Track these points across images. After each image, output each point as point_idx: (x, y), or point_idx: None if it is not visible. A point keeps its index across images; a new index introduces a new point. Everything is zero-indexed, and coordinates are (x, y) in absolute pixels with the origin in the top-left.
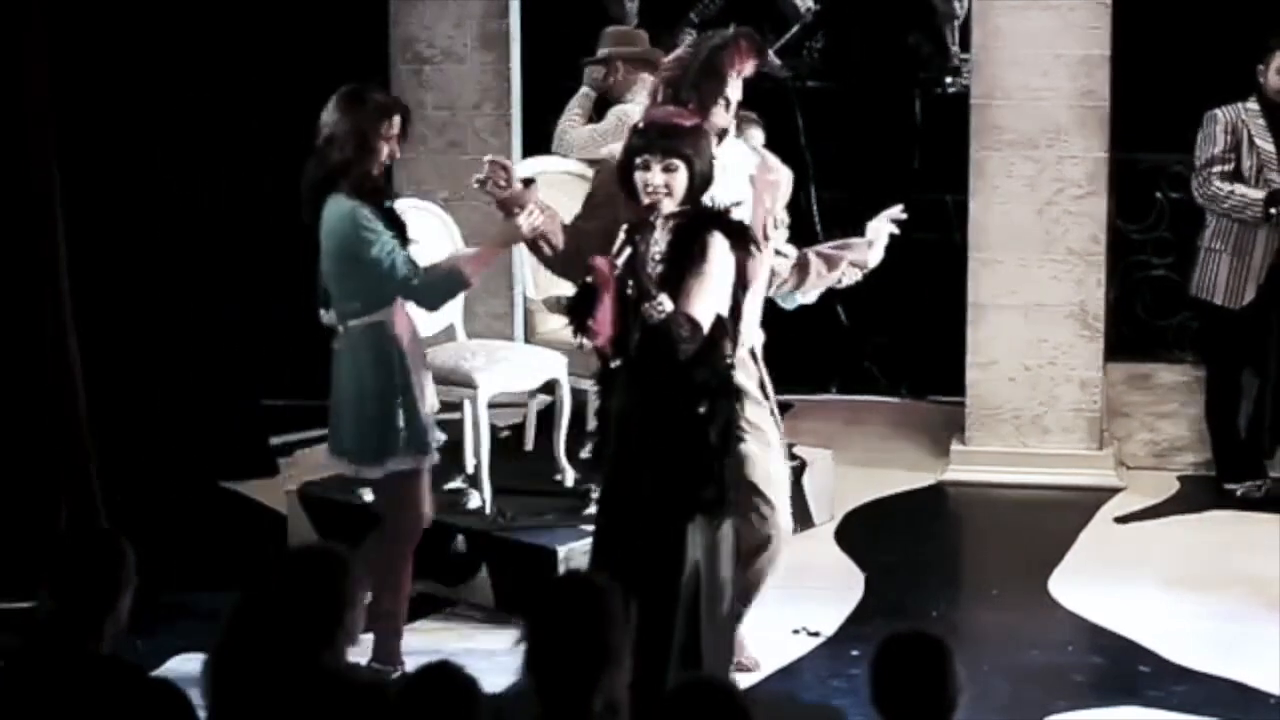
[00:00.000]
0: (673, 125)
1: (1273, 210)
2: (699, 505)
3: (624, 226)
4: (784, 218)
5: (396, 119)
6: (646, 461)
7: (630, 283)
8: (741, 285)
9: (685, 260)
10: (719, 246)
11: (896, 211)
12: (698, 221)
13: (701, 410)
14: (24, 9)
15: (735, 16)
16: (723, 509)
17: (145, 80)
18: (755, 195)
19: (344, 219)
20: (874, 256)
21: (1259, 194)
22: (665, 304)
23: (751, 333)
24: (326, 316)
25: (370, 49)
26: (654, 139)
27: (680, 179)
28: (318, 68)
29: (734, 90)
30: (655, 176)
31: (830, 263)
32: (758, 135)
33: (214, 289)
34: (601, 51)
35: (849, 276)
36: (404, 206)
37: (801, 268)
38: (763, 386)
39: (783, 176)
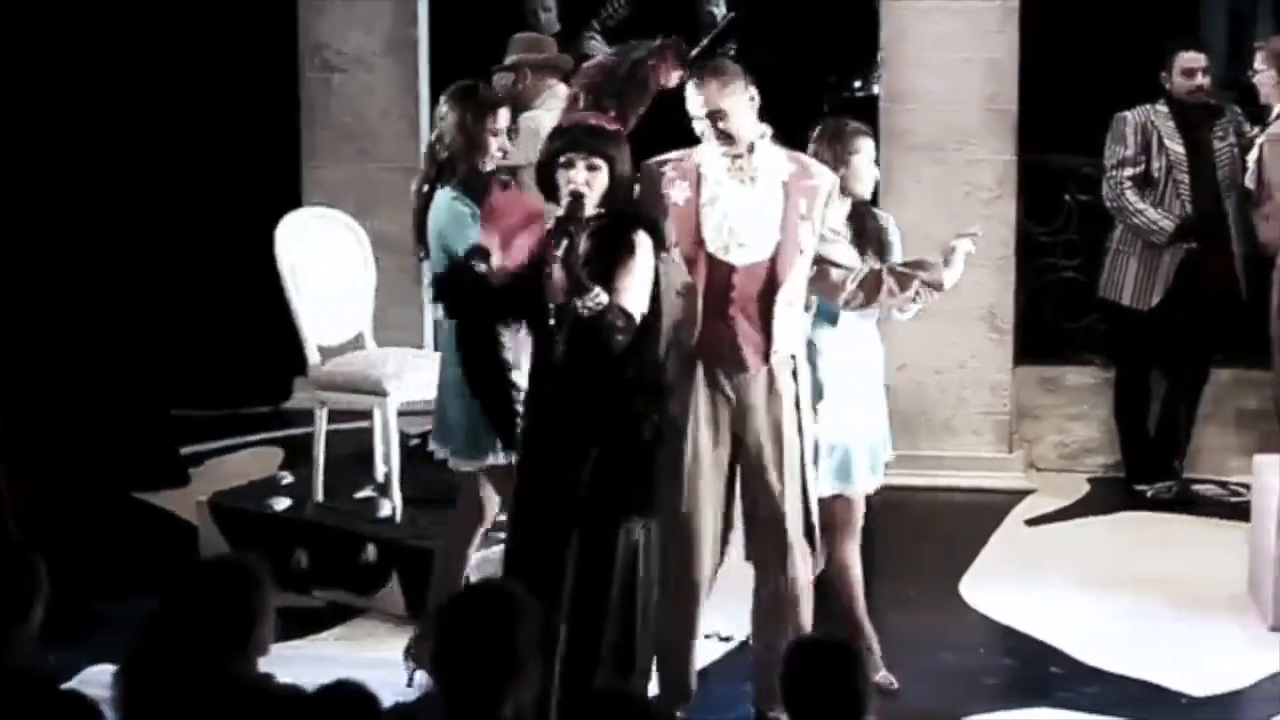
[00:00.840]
0: (597, 127)
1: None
2: (631, 504)
3: (553, 220)
4: (842, 229)
5: (503, 113)
6: (574, 458)
7: (563, 277)
8: (772, 288)
9: (613, 258)
10: (645, 245)
11: (974, 230)
12: (623, 221)
13: (636, 407)
14: None
15: (641, 23)
16: (651, 508)
17: (46, 90)
18: (788, 201)
19: (443, 211)
20: (950, 277)
21: (1168, 223)
22: (602, 297)
23: (787, 342)
24: (436, 312)
25: (279, 56)
26: (579, 138)
27: (601, 179)
28: (225, 76)
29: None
30: (578, 174)
31: (903, 281)
32: (866, 146)
33: (124, 299)
34: (510, 58)
35: (924, 296)
36: (311, 215)
37: (870, 283)
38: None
39: (824, 183)
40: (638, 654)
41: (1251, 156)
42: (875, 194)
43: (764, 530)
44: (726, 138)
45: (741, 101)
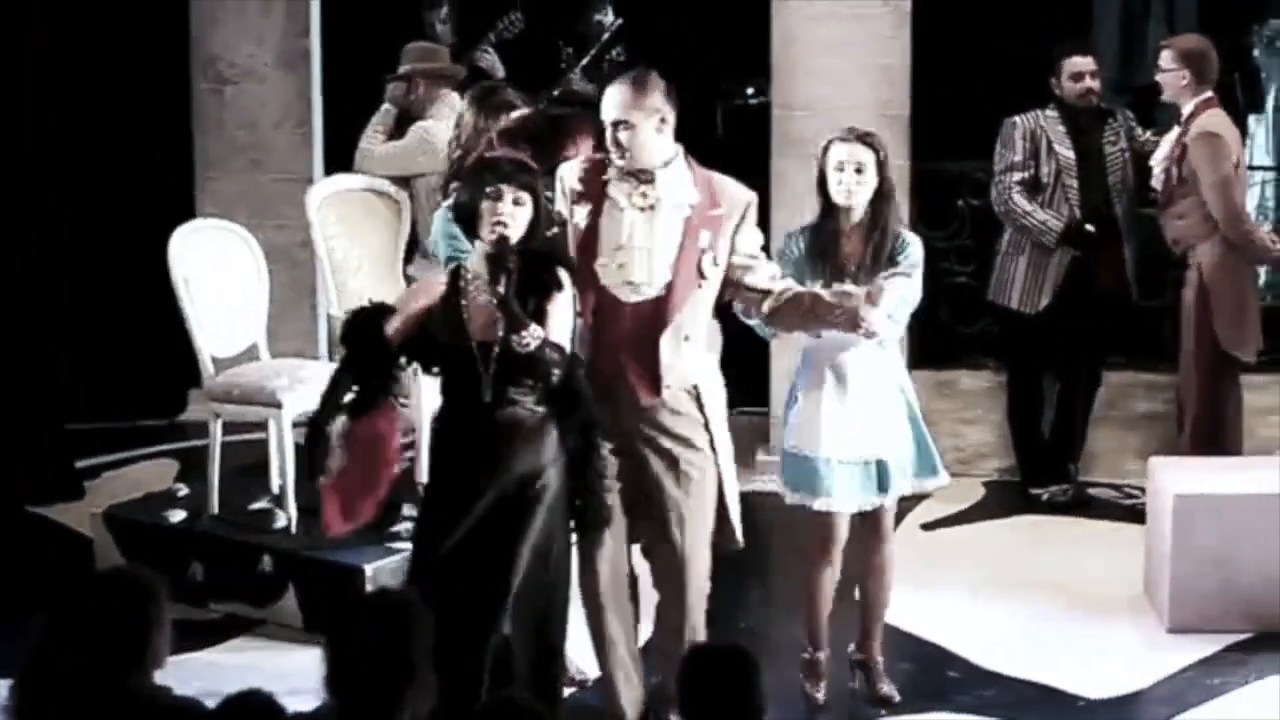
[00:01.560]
0: (524, 162)
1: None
2: (578, 522)
3: (485, 256)
4: (753, 251)
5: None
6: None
7: (494, 314)
8: (661, 325)
9: (539, 294)
10: (567, 280)
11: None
12: (542, 258)
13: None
14: None
15: (536, 35)
16: (599, 524)
17: None
18: (687, 236)
19: (436, 226)
20: (871, 316)
21: (1057, 223)
22: (539, 332)
23: (684, 374)
24: None
25: (172, 68)
26: (509, 172)
27: (525, 214)
28: (118, 88)
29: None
30: (505, 207)
31: (822, 306)
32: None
33: (16, 311)
34: (403, 68)
35: (845, 328)
36: (205, 227)
37: (790, 307)
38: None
39: (735, 208)
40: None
41: (1160, 155)
42: (767, 202)
43: (662, 561)
44: (622, 150)
45: (651, 121)
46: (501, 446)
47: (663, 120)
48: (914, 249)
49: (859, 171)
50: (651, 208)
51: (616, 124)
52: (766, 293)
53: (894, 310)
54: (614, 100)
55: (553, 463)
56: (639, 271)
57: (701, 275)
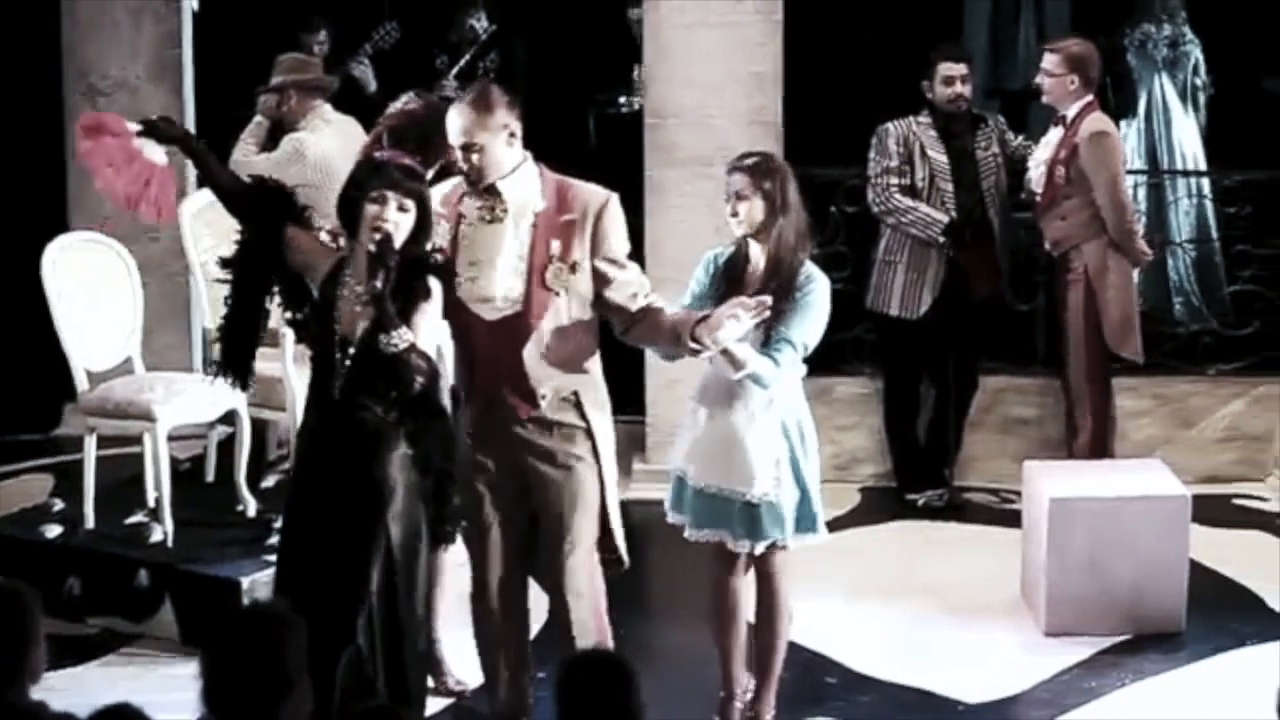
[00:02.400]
0: (411, 167)
1: (944, 239)
2: (431, 535)
3: (366, 253)
4: (616, 256)
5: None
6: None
7: (367, 312)
8: (523, 337)
9: (409, 301)
10: (437, 291)
11: (765, 299)
12: (418, 265)
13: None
14: None
15: (411, 45)
16: (447, 534)
17: None
18: (535, 243)
19: None
20: (724, 334)
21: (942, 216)
22: (408, 335)
23: (557, 384)
24: None
25: (44, 80)
26: (396, 177)
27: (409, 220)
28: None
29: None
30: (389, 212)
31: (676, 325)
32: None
33: None
34: (275, 79)
35: (692, 351)
36: (78, 240)
37: (648, 324)
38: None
39: (588, 212)
40: (411, 683)
41: (1041, 157)
42: (641, 210)
43: (549, 565)
44: (476, 171)
45: (500, 138)
46: (348, 451)
47: (511, 134)
48: (815, 285)
49: (740, 199)
50: (499, 220)
51: (465, 147)
52: (622, 308)
53: (781, 347)
54: (458, 123)
55: (401, 472)
56: (489, 285)
57: (547, 286)
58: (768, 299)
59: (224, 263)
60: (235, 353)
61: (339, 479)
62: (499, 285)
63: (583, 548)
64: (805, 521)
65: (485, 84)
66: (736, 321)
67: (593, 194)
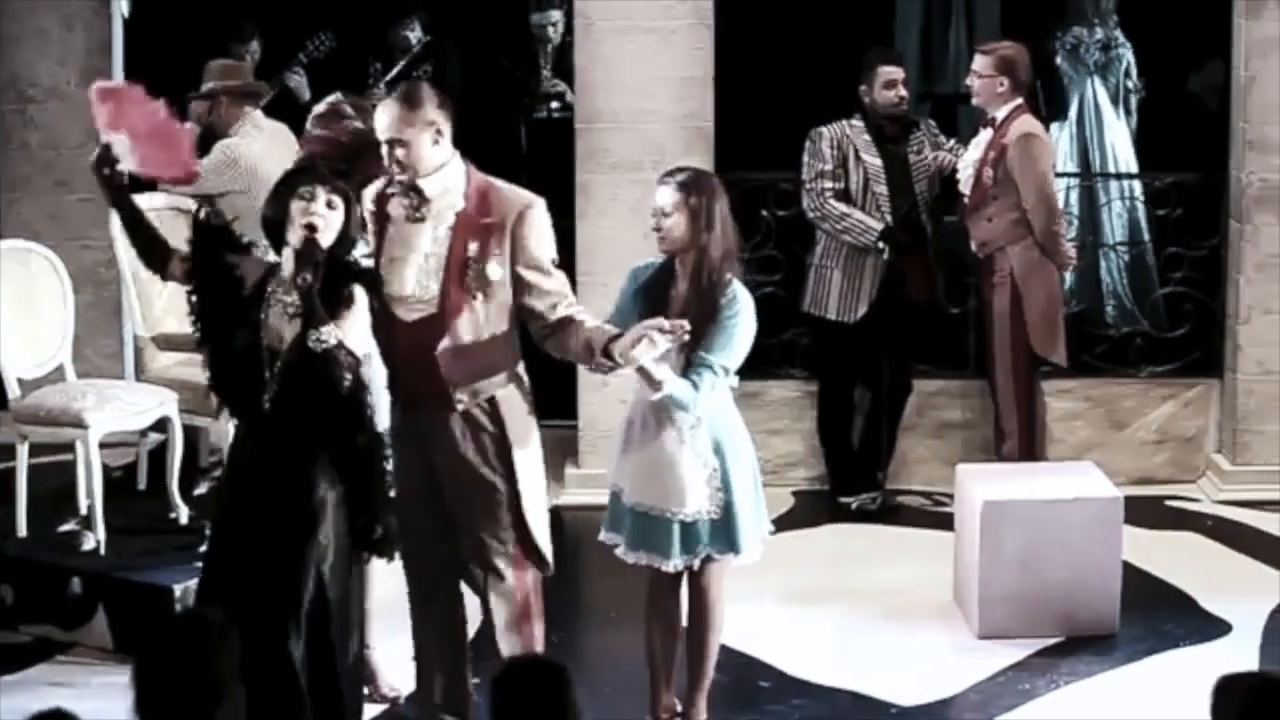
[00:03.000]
0: (339, 169)
1: (881, 245)
2: (360, 539)
3: (294, 253)
4: (539, 262)
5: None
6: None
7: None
8: (439, 338)
9: (332, 305)
10: (362, 298)
11: (682, 324)
12: (344, 271)
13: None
14: None
15: (346, 54)
16: (389, 543)
17: None
18: (454, 243)
19: None
20: (636, 354)
21: (876, 224)
22: (336, 333)
23: (474, 386)
24: None
25: None
26: (323, 174)
27: (337, 219)
28: None
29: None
30: (318, 207)
31: (590, 339)
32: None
33: None
34: (206, 86)
35: (608, 365)
36: (9, 248)
37: (565, 335)
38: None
39: (509, 215)
40: (344, 690)
41: (970, 159)
42: (572, 215)
43: (469, 572)
44: (401, 168)
45: (426, 135)
46: (278, 462)
47: (439, 132)
48: (739, 306)
49: (664, 215)
50: (421, 219)
51: (391, 143)
52: (541, 316)
53: (701, 371)
54: (386, 119)
55: (330, 482)
56: (404, 284)
57: (464, 287)
58: (685, 324)
59: (193, 314)
60: (231, 383)
61: (270, 489)
62: (412, 283)
63: (500, 555)
64: (736, 538)
65: (416, 82)
66: (650, 343)
67: (516, 198)
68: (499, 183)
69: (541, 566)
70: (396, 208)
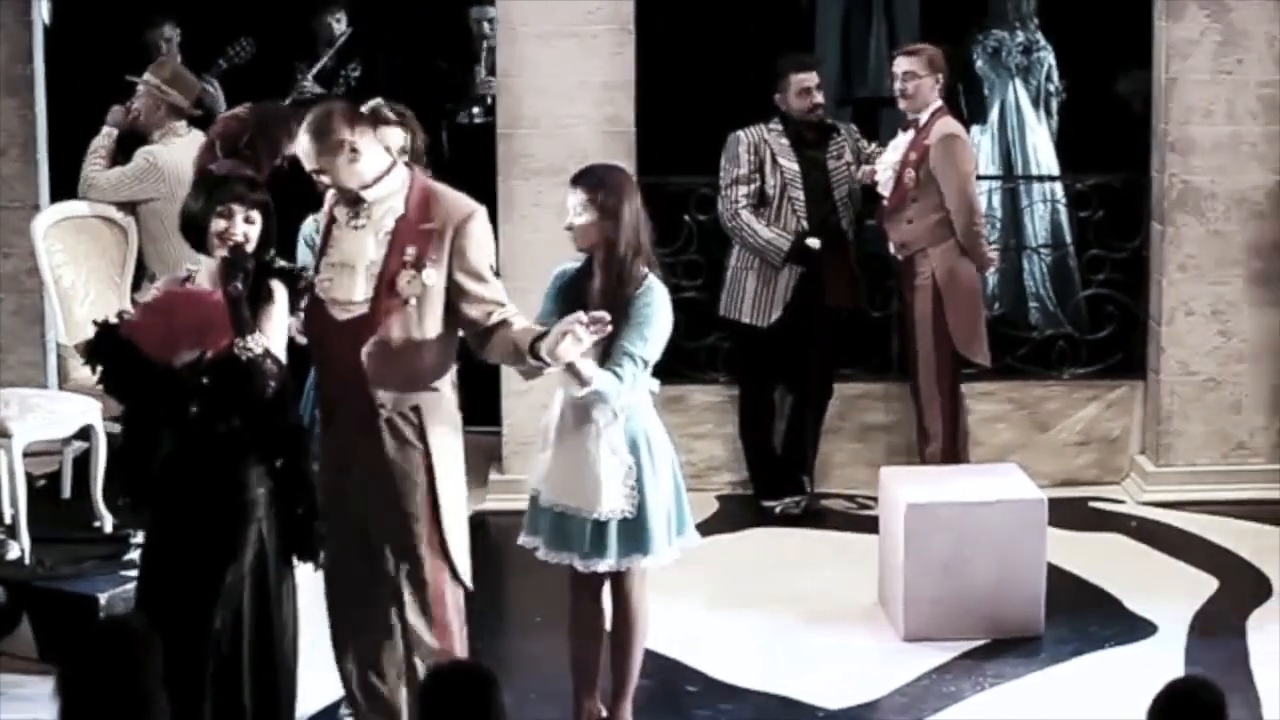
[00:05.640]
0: (254, 179)
1: (782, 265)
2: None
3: (220, 260)
4: (477, 269)
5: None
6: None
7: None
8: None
9: (255, 303)
10: (281, 293)
11: (603, 315)
12: (264, 269)
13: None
14: None
15: (266, 50)
16: (308, 549)
17: None
18: (392, 248)
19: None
20: (562, 350)
21: (784, 241)
22: (262, 340)
23: (401, 396)
24: None
25: None
26: (240, 190)
27: (256, 231)
28: None
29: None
30: (237, 226)
31: (518, 341)
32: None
33: None
34: (150, 79)
35: (540, 367)
36: None
37: (501, 341)
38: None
39: (449, 222)
40: (282, 700)
41: (890, 160)
42: (495, 221)
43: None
44: (331, 190)
45: (341, 158)
46: (207, 468)
47: (353, 150)
48: (652, 296)
49: (576, 214)
50: (362, 225)
51: (314, 173)
52: (475, 323)
53: (621, 361)
54: (303, 151)
55: (260, 487)
56: (345, 289)
57: (396, 291)
58: (606, 315)
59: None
60: (136, 473)
61: (199, 495)
62: (350, 287)
63: (418, 566)
64: (647, 539)
65: (325, 105)
66: (575, 338)
67: (457, 205)
68: (442, 188)
69: (457, 582)
70: (343, 214)
